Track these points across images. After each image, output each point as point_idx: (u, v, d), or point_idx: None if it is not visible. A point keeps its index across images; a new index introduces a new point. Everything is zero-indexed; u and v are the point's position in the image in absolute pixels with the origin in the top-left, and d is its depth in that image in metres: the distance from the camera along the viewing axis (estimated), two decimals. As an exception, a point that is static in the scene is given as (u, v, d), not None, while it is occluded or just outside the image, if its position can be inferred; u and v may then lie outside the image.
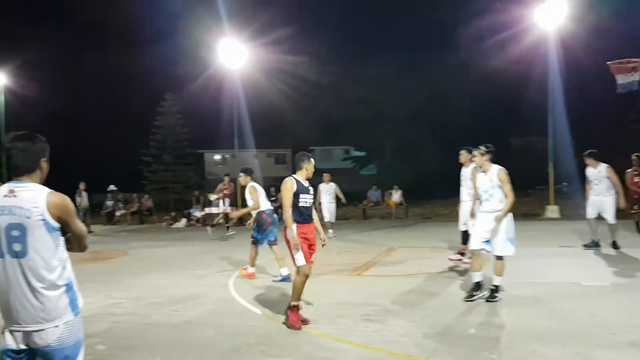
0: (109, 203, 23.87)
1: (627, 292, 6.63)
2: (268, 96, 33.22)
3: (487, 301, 6.24)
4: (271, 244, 8.38)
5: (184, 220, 21.12)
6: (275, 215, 8.45)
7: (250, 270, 8.46)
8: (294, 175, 5.94)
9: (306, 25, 35.10)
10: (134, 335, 5.49)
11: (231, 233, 15.94)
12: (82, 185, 18.50)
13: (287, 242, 5.76)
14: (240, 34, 23.63)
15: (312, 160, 6.02)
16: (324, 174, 14.97)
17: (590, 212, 9.92)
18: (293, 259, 5.74)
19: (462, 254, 9.22)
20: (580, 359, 4.31)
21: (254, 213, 8.38)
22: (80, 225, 2.82)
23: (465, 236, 9.12)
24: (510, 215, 6.37)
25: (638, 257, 9.02)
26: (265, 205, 8.40)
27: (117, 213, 23.34)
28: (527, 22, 20.52)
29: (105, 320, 6.07)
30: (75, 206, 14.02)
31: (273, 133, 39.87)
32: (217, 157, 47.08)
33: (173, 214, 22.31)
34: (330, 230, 14.30)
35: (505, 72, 29.21)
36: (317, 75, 34.56)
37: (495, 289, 6.34)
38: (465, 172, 9.02)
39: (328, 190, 15.08)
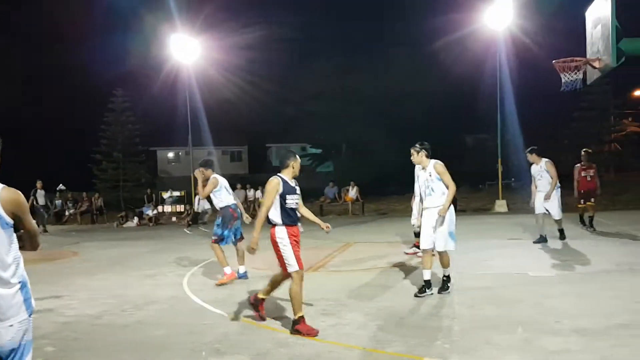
0: (58, 202, 23.09)
1: (571, 282, 6.92)
2: (223, 92, 32.92)
3: (439, 293, 6.38)
4: (237, 241, 8.01)
5: (135, 220, 20.65)
6: (239, 211, 8.07)
7: (227, 270, 7.73)
8: (279, 174, 5.51)
9: (260, 21, 34.88)
10: (83, 337, 5.33)
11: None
12: (38, 184, 18.31)
13: (276, 245, 5.42)
14: (192, 28, 23.32)
15: (298, 157, 5.61)
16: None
17: (538, 208, 10.11)
18: (284, 264, 5.36)
19: (418, 247, 9.41)
20: (527, 345, 4.47)
21: (218, 208, 7.96)
22: (33, 223, 2.72)
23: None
24: (452, 209, 6.45)
25: (581, 249, 9.42)
26: (230, 199, 7.98)
27: (67, 213, 22.61)
28: (477, 22, 21.10)
29: (53, 322, 5.87)
30: (34, 205, 13.66)
31: (228, 130, 39.45)
32: (170, 154, 46.23)
33: (124, 213, 21.76)
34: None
35: (458, 71, 29.96)
36: (272, 71, 34.44)
37: (447, 279, 6.49)
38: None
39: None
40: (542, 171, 9.95)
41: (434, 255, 6.47)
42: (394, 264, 8.70)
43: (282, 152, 5.80)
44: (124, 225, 20.37)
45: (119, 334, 5.40)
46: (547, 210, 10.02)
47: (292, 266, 5.28)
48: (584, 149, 12.22)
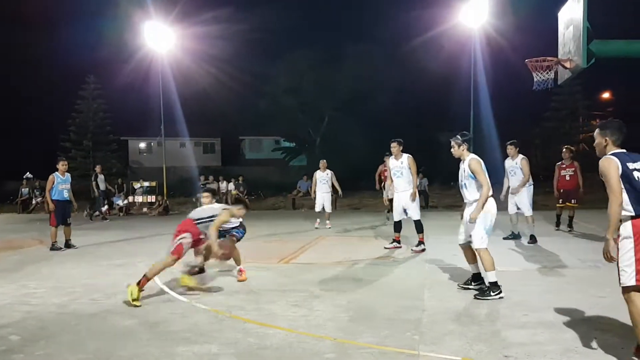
0: (25, 191, 22.56)
1: (538, 277, 7.08)
2: (197, 83, 32.55)
3: (475, 297, 5.93)
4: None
5: (104, 209, 20.27)
6: None
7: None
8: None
9: (237, 11, 34.55)
10: (50, 326, 5.22)
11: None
12: (98, 168, 18.77)
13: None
14: (167, 16, 22.95)
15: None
16: (321, 161, 13.51)
17: (510, 207, 10.15)
18: None
19: (398, 242, 9.52)
20: (494, 337, 4.55)
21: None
22: None
23: (399, 225, 9.57)
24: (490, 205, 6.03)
25: (549, 246, 9.64)
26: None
27: (34, 201, 22.10)
28: (453, 20, 21.33)
29: (18, 310, 5.74)
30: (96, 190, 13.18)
31: (202, 121, 39.00)
32: (142, 145, 45.48)
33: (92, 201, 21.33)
34: (328, 222, 13.53)
35: (433, 69, 30.22)
36: (247, 63, 34.19)
37: (488, 285, 6.01)
38: (396, 164, 9.24)
39: (324, 179, 13.62)
40: (516, 167, 9.97)
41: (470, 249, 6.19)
42: (365, 257, 8.76)
43: None
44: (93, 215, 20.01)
45: (87, 322, 5.31)
46: (518, 207, 10.11)
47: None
48: (565, 146, 11.84)
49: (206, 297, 6.16)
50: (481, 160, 6.12)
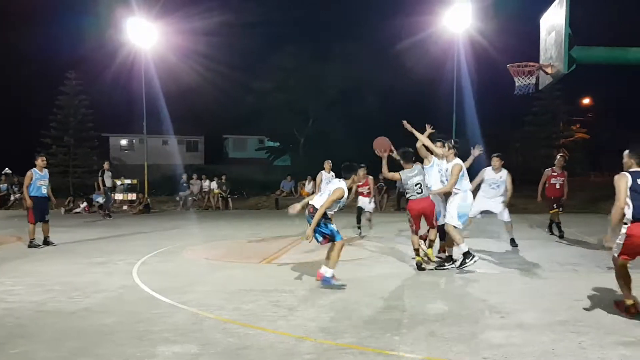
0: (3, 186, 22.20)
1: (516, 280, 7.17)
2: (181, 80, 32.28)
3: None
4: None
5: (83, 205, 20.07)
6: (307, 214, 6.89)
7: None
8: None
9: (222, 7, 34.37)
10: (28, 323, 5.15)
11: None
12: (106, 165, 18.38)
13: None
14: (151, 11, 22.72)
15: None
16: (326, 161, 12.51)
17: (474, 212, 9.17)
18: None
19: None
20: (473, 338, 4.60)
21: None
22: None
23: None
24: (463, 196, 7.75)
25: (528, 249, 9.77)
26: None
27: (12, 197, 21.76)
28: (437, 24, 21.51)
29: (-6, 308, 5.65)
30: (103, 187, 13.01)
31: (186, 119, 38.72)
32: (124, 142, 45.02)
33: (71, 198, 21.09)
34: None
35: (418, 71, 30.38)
36: (232, 61, 34.02)
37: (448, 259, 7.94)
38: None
39: (329, 180, 12.40)
40: (500, 181, 9.50)
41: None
42: (347, 258, 8.76)
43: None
44: (73, 212, 19.79)
45: (65, 321, 5.25)
46: (492, 211, 9.67)
47: None
48: (560, 154, 11.65)
49: (186, 297, 6.12)
50: (463, 167, 7.70)
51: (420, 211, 7.74)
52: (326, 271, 6.60)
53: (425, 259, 7.98)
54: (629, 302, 5.23)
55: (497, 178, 9.61)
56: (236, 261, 8.76)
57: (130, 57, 23.72)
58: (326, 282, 6.54)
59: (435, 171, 8.02)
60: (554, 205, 11.20)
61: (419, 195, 7.66)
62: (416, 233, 7.88)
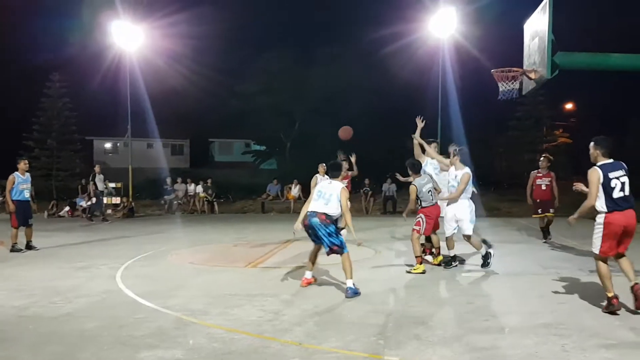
0: (-17, 190, 21.84)
1: (500, 283, 7.22)
2: (166, 83, 32.05)
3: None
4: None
5: (66, 209, 19.83)
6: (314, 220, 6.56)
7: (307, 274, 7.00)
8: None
9: (206, 11, 34.24)
10: (8, 328, 5.08)
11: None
12: (97, 168, 18.28)
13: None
14: (136, 13, 22.57)
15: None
16: (320, 165, 11.63)
17: (448, 228, 8.20)
18: None
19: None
20: (457, 341, 4.62)
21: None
22: None
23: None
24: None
25: (512, 252, 9.87)
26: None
27: (-7, 201, 21.41)
28: (423, 29, 21.66)
29: (-27, 314, 5.55)
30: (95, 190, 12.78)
31: (171, 122, 38.46)
32: (108, 145, 44.58)
33: (54, 202, 20.83)
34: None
35: (404, 76, 30.53)
36: (218, 64, 33.92)
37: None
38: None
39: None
40: (455, 180, 8.11)
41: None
42: (332, 262, 8.75)
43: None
44: (55, 216, 19.55)
45: (47, 326, 5.18)
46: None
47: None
48: (544, 155, 11.35)
49: (171, 302, 6.07)
50: (471, 175, 7.91)
51: (438, 216, 8.05)
52: (348, 282, 6.35)
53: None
54: (610, 294, 5.43)
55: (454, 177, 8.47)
56: (221, 265, 8.72)
57: (115, 60, 23.53)
58: (352, 292, 6.26)
59: (431, 169, 8.55)
60: (539, 210, 10.94)
61: (434, 201, 7.94)
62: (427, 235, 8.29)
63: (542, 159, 11.19)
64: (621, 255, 5.61)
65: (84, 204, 19.99)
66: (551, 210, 10.88)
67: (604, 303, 5.52)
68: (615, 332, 4.85)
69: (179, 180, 22.44)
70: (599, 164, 5.54)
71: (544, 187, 10.91)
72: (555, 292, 6.47)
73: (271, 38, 40.04)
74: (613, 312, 5.36)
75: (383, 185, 20.93)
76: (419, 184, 7.84)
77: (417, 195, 7.84)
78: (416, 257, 7.84)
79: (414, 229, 7.93)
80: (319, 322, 5.27)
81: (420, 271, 7.70)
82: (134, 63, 22.45)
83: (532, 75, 8.58)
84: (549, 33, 7.88)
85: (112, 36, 21.29)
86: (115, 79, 26.17)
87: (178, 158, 44.44)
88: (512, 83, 8.91)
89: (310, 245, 7.17)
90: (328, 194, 6.58)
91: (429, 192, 7.86)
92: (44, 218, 18.77)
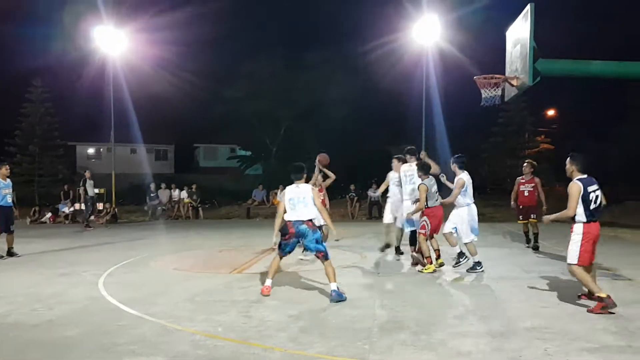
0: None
1: (484, 287, 7.27)
2: (150, 88, 31.84)
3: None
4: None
5: (48, 215, 19.59)
6: (302, 227, 6.55)
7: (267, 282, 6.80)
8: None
9: (189, 16, 34.09)
10: (-14, 337, 4.98)
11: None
12: (87, 174, 17.85)
13: None
14: (120, 19, 22.43)
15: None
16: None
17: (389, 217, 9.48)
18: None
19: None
20: (441, 346, 4.64)
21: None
22: None
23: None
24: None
25: (494, 256, 9.93)
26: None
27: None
28: (407, 37, 21.83)
29: (-49, 322, 5.45)
30: (85, 196, 12.46)
31: (155, 127, 38.18)
32: (91, 150, 44.11)
33: (36, 208, 20.56)
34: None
35: (389, 82, 30.69)
36: (204, 69, 33.80)
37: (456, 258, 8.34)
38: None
39: None
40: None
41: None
42: (317, 267, 8.75)
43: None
44: (38, 222, 19.30)
45: (28, 333, 5.09)
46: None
47: None
48: (527, 160, 11.17)
49: (154, 308, 6.01)
50: (465, 180, 8.04)
51: (442, 216, 8.28)
52: (332, 286, 6.35)
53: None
54: (603, 294, 5.65)
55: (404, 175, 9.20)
56: (206, 271, 8.66)
57: (99, 65, 23.34)
58: (337, 295, 6.25)
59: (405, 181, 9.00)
60: (521, 216, 10.80)
61: (439, 202, 8.26)
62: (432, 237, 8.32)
63: (525, 164, 11.00)
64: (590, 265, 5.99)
65: (66, 209, 19.78)
66: (532, 216, 10.63)
67: (592, 306, 5.72)
68: (598, 335, 4.91)
69: (163, 186, 22.29)
70: (578, 177, 5.88)
71: (526, 194, 10.73)
72: (539, 296, 6.53)
73: (257, 44, 39.94)
74: (609, 311, 5.56)
75: (368, 191, 20.99)
76: (429, 184, 8.12)
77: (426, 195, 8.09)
78: (426, 257, 8.19)
79: (419, 232, 8.20)
80: (303, 327, 5.25)
81: (431, 271, 8.10)
82: (117, 68, 22.30)
83: (514, 82, 8.70)
84: (530, 40, 8.01)
85: (96, 41, 21.13)
86: (98, 84, 25.97)
87: (162, 163, 44.11)
88: (495, 90, 9.03)
89: (295, 251, 7.17)
90: (302, 198, 6.60)
91: (435, 192, 8.18)
92: (26, 224, 18.52)
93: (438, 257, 8.42)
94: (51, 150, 31.36)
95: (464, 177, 8.13)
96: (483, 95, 9.00)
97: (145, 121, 32.65)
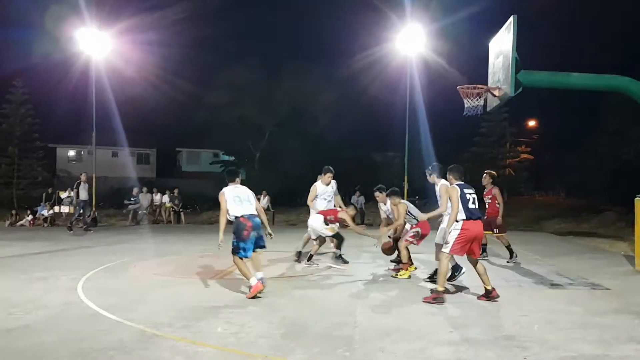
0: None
1: (463, 295, 7.31)
2: (133, 91, 31.64)
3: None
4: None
5: (27, 218, 19.28)
6: (256, 219, 7.02)
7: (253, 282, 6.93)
8: None
9: (173, 22, 34.02)
10: (-41, 343, 4.88)
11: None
12: (83, 177, 17.29)
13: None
14: (103, 21, 22.27)
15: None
16: (326, 173, 10.14)
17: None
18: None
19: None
20: (421, 354, 4.66)
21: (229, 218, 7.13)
22: None
23: None
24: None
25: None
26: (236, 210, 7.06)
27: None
28: (390, 46, 22.04)
29: None
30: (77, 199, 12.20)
31: (137, 130, 37.88)
32: (72, 153, 43.56)
33: (14, 211, 20.24)
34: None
35: (371, 91, 30.92)
36: (188, 73, 33.72)
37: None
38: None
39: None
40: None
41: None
42: (299, 274, 8.76)
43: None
44: (16, 225, 18.99)
45: (3, 339, 4.99)
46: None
47: None
48: (486, 171, 10.62)
49: (133, 314, 5.94)
50: (448, 187, 7.17)
51: (428, 231, 8.60)
52: (259, 275, 7.10)
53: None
54: (489, 286, 6.76)
55: (329, 190, 10.07)
56: (186, 277, 8.58)
57: (81, 67, 23.14)
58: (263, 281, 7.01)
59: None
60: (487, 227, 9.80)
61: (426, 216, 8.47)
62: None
63: (484, 175, 10.41)
64: (476, 262, 6.83)
65: (45, 212, 19.50)
66: (496, 230, 10.11)
67: (430, 295, 6.74)
68: (575, 344, 4.97)
69: (144, 189, 22.10)
70: (457, 183, 6.79)
71: (486, 205, 10.23)
72: (517, 305, 6.59)
73: (240, 51, 40.00)
74: (440, 302, 6.52)
75: (352, 198, 21.06)
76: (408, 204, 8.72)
77: (408, 212, 8.57)
78: (403, 263, 8.50)
79: (406, 239, 8.48)
80: (284, 334, 5.24)
81: (407, 276, 8.40)
82: (100, 70, 22.11)
83: (497, 93, 8.82)
84: (513, 51, 8.13)
85: (78, 43, 20.94)
86: (80, 86, 25.75)
87: (144, 167, 43.73)
88: (477, 99, 9.14)
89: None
90: (245, 197, 7.12)
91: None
92: (5, 227, 18.20)
93: (406, 269, 8.55)
94: (31, 152, 30.97)
95: (444, 182, 7.71)
96: (466, 105, 9.10)
97: (128, 124, 32.42)
